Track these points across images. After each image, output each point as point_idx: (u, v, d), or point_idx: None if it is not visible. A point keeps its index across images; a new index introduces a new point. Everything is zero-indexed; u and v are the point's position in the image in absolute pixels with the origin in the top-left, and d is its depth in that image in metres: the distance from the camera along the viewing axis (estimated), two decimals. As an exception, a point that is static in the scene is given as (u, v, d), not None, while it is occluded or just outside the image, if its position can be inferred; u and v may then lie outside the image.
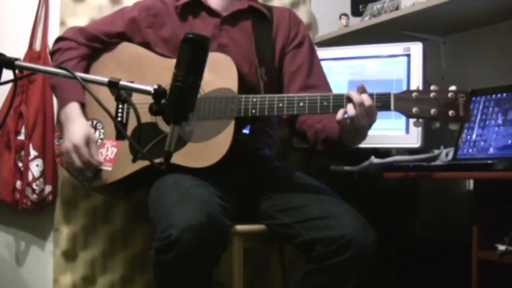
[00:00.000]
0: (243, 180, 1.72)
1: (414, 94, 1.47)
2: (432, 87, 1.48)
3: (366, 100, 1.45)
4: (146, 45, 1.79)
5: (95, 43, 1.80)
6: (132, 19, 1.79)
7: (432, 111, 1.45)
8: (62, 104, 1.74)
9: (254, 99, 1.55)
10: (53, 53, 1.83)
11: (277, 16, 1.83)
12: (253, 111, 1.55)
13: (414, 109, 1.46)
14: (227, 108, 1.57)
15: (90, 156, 1.66)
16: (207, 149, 1.57)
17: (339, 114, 1.47)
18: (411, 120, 1.52)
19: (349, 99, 1.47)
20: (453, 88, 1.47)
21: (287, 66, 1.79)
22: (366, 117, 1.46)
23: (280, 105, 1.53)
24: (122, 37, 1.81)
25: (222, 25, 1.77)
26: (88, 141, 1.67)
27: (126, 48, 1.80)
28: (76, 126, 1.68)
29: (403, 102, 1.47)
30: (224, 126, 1.57)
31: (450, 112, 1.45)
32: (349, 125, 1.47)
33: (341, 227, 1.46)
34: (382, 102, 1.48)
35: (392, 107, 1.48)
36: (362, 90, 1.48)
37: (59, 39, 1.83)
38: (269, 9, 1.86)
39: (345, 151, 1.65)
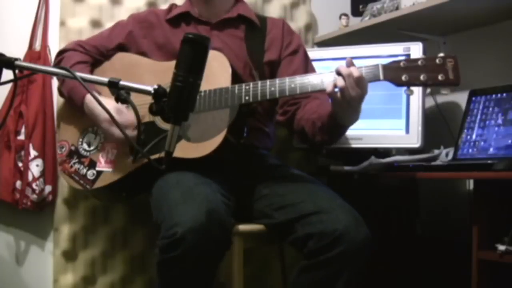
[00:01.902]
0: (241, 179, 1.72)
1: (402, 63, 1.47)
2: (419, 56, 1.48)
3: (355, 71, 1.45)
4: (142, 54, 1.83)
5: (96, 54, 1.85)
6: (129, 32, 1.85)
7: (422, 76, 1.45)
8: (80, 100, 1.72)
9: (247, 87, 1.57)
10: (57, 63, 1.83)
11: (271, 26, 1.86)
12: (247, 97, 1.56)
13: (403, 77, 1.46)
14: (221, 98, 1.58)
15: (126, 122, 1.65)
16: (202, 140, 1.58)
17: (329, 87, 1.47)
18: (403, 89, 1.51)
19: (339, 73, 1.47)
20: (441, 54, 1.47)
21: (283, 70, 1.80)
22: (356, 88, 1.45)
23: (272, 88, 1.54)
24: (120, 49, 1.86)
25: (212, 31, 1.81)
26: (118, 109, 1.64)
27: (122, 58, 1.84)
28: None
29: (392, 71, 1.47)
30: (220, 116, 1.58)
31: (440, 76, 1.44)
32: (341, 98, 1.46)
33: (333, 221, 1.46)
34: (371, 73, 1.48)
35: (381, 76, 1.47)
36: (350, 63, 1.48)
37: (61, 52, 1.86)
38: (263, 19, 1.89)
39: (342, 135, 1.65)
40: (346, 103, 1.47)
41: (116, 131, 1.65)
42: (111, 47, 1.85)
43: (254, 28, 1.85)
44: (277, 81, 1.55)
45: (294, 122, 1.76)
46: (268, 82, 1.56)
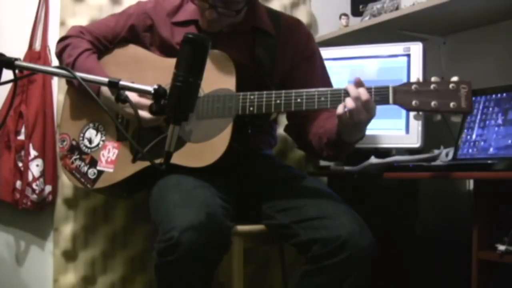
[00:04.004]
0: (244, 180, 1.72)
1: (413, 86, 1.43)
2: (433, 79, 1.44)
3: (363, 94, 1.42)
4: (145, 48, 1.79)
5: (99, 45, 1.80)
6: (131, 26, 1.78)
7: (433, 103, 1.41)
8: (95, 91, 1.64)
9: (252, 97, 1.54)
10: (62, 50, 1.77)
11: (285, 29, 1.75)
12: (251, 108, 1.54)
13: (414, 102, 1.42)
14: (225, 106, 1.57)
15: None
16: (205, 149, 1.57)
17: (340, 109, 1.44)
18: (411, 113, 1.47)
19: (347, 93, 1.44)
20: (455, 79, 1.43)
21: (296, 77, 1.72)
22: (365, 112, 1.43)
23: (278, 101, 1.52)
24: (124, 41, 1.81)
25: (220, 40, 1.66)
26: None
27: (126, 50, 1.80)
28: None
29: (402, 95, 1.43)
30: (223, 125, 1.57)
31: (452, 104, 1.40)
32: (349, 119, 1.43)
33: (337, 227, 1.45)
34: (381, 96, 1.45)
35: (391, 100, 1.44)
36: (358, 84, 1.45)
37: (64, 38, 1.80)
38: (277, 20, 1.76)
39: (349, 151, 1.61)
40: (353, 124, 1.45)
41: (146, 115, 1.56)
42: (114, 42, 1.80)
43: (265, 35, 1.73)
44: (283, 93, 1.51)
45: (301, 136, 1.74)
46: (273, 93, 1.52)
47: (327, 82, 1.77)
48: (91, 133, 1.77)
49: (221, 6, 1.56)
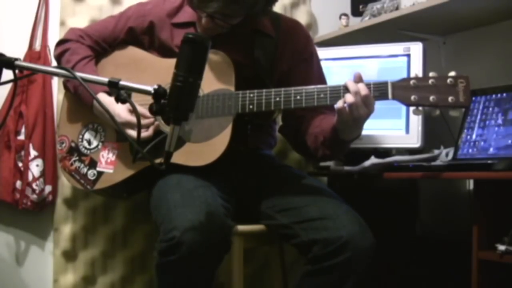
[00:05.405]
0: (244, 180, 1.72)
1: (412, 82, 1.44)
2: (431, 74, 1.45)
3: (362, 89, 1.43)
4: (144, 50, 1.78)
5: (98, 48, 1.80)
6: (129, 29, 1.78)
7: (431, 98, 1.43)
8: (89, 100, 1.70)
9: (251, 95, 1.54)
10: (60, 54, 1.78)
11: (285, 31, 1.74)
12: (251, 106, 1.54)
13: (413, 97, 1.44)
14: (224, 105, 1.57)
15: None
16: (205, 148, 1.57)
17: (339, 103, 1.45)
18: (411, 109, 1.49)
19: (346, 89, 1.45)
20: (452, 73, 1.44)
21: (293, 79, 1.71)
22: (364, 107, 1.43)
23: (277, 99, 1.52)
24: (123, 43, 1.80)
25: (219, 42, 1.63)
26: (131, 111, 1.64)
27: (124, 51, 1.80)
28: (116, 107, 1.61)
29: (401, 91, 1.45)
30: (223, 124, 1.57)
31: (450, 98, 1.42)
32: (349, 114, 1.44)
33: (338, 228, 1.46)
34: (380, 92, 1.46)
35: (390, 96, 1.45)
36: (358, 79, 1.46)
37: (63, 41, 1.80)
38: (277, 21, 1.75)
39: (345, 151, 1.63)
40: (352, 120, 1.45)
41: (132, 133, 1.62)
42: (113, 44, 1.80)
43: (267, 37, 1.73)
44: (283, 91, 1.52)
45: (297, 136, 1.74)
46: (273, 91, 1.52)
47: (323, 83, 1.76)
48: (90, 134, 1.77)
49: (219, 18, 1.57)
